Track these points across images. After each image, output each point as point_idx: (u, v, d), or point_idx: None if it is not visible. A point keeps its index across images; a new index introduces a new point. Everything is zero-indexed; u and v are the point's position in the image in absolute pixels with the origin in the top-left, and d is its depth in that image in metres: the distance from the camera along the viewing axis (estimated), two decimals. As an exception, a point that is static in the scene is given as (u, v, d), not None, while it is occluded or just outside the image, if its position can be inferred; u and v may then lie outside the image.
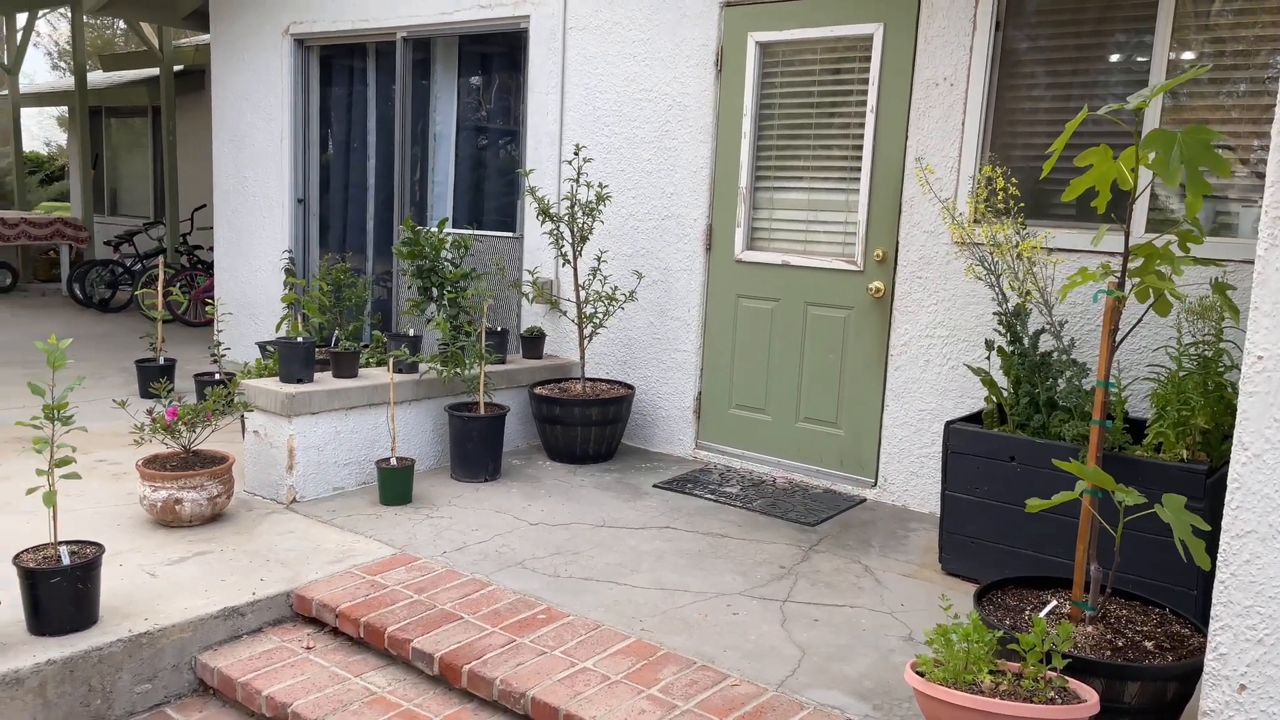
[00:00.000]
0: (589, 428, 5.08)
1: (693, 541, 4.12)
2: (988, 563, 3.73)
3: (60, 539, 3.20)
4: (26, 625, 3.02)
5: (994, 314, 3.97)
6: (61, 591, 3.00)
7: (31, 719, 2.86)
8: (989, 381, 3.87)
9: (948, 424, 3.80)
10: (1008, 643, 2.59)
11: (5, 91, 13.79)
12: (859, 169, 4.76)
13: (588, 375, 5.71)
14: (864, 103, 4.72)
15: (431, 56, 6.59)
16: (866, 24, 4.65)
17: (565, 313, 5.70)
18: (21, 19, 12.93)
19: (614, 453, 5.31)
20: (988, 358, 4.37)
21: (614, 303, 5.39)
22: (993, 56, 4.34)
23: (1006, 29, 4.34)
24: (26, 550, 3.12)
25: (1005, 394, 3.87)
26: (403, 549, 3.89)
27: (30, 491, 3.15)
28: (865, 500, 4.77)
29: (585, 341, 5.33)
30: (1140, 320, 3.33)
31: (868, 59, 4.69)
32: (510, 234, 6.20)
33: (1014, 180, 4.08)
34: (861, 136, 4.74)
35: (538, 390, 5.23)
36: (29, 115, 17.01)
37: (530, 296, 5.79)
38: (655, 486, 4.85)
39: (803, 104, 4.93)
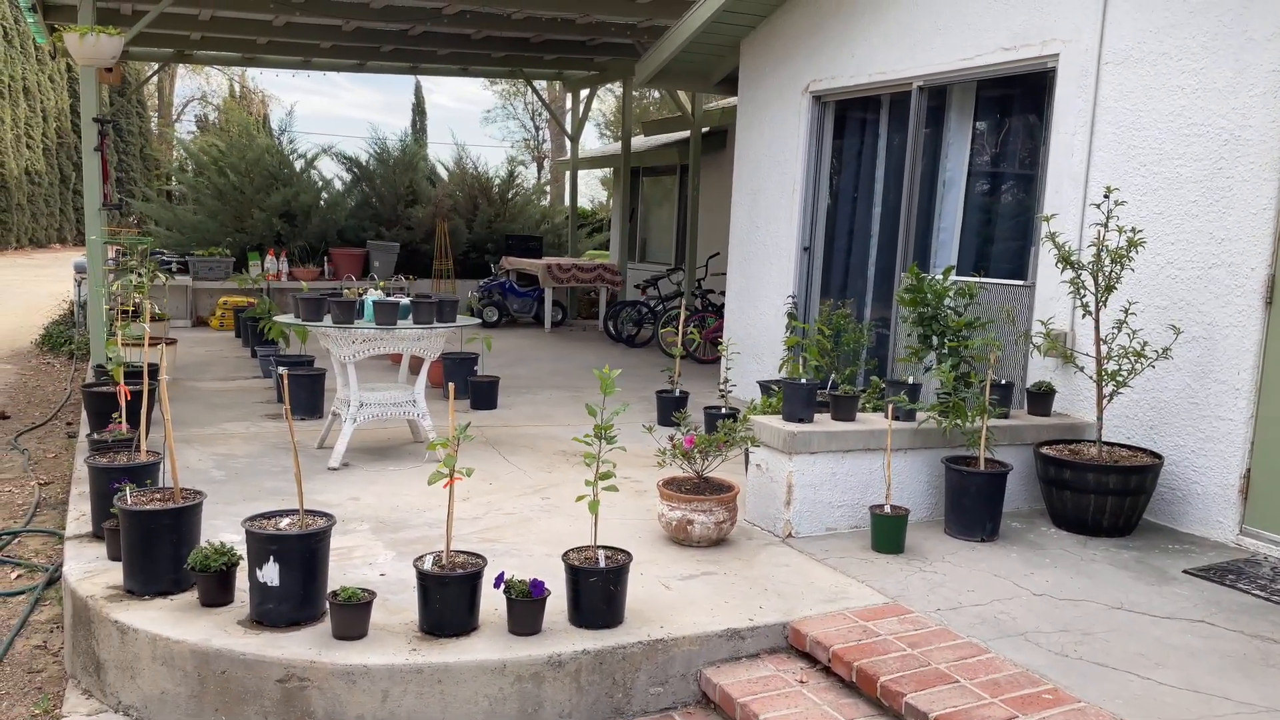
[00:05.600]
0: (1104, 496, 4.60)
1: (1236, 643, 3.52)
2: None
3: (597, 543, 3.64)
4: (568, 615, 3.47)
5: None
6: (597, 590, 3.41)
7: (568, 699, 3.27)
8: None
9: None
10: None
11: (565, 156, 16.34)
12: None
13: (1105, 439, 5.18)
14: None
15: (946, 104, 6.52)
16: None
17: (1082, 368, 5.24)
18: (583, 95, 15.26)
19: (1133, 528, 4.75)
20: None
21: (1142, 359, 4.84)
22: None
23: None
24: (572, 550, 3.60)
25: None
26: (895, 599, 3.84)
27: (579, 499, 3.64)
28: None
29: (1104, 401, 4.85)
30: None
31: None
32: (1020, 282, 5.88)
33: None
34: None
35: (1044, 450, 4.87)
36: (579, 176, 19.94)
37: (1042, 349, 5.42)
38: (1185, 572, 4.24)
39: None
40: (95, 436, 4.71)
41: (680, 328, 7.39)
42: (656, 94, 25.64)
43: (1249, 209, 4.59)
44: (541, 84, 21.20)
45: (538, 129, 34.77)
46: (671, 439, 4.63)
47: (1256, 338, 4.57)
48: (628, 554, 3.57)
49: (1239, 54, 4.62)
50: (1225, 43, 4.68)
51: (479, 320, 6.95)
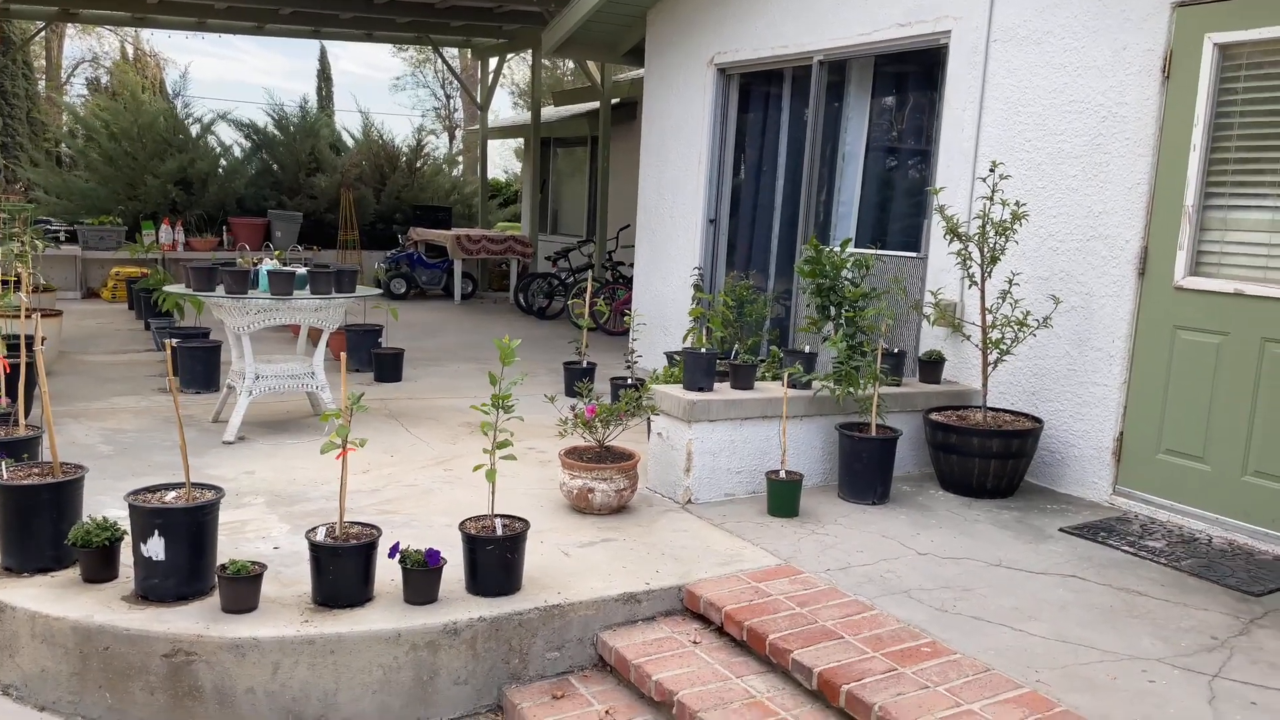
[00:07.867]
0: (988, 460, 4.80)
1: (1103, 595, 3.72)
2: None
3: (495, 512, 3.65)
4: (465, 584, 3.48)
5: None
6: (494, 558, 3.43)
7: (464, 666, 3.29)
8: None
9: None
10: None
11: (477, 126, 16.10)
12: (1344, 184, 4.03)
13: (990, 404, 5.39)
14: (1356, 105, 3.98)
15: (845, 78, 6.64)
16: (1365, 12, 3.93)
17: (969, 337, 5.44)
18: (492, 63, 15.04)
19: (1014, 489, 4.97)
20: None
21: (1024, 329, 5.04)
22: None
23: None
24: (469, 519, 3.61)
25: None
26: (787, 561, 3.95)
27: (477, 469, 3.64)
28: (1330, 576, 4.00)
29: (989, 369, 5.04)
30: None
31: (1364, 54, 3.95)
32: (914, 254, 6.05)
33: None
34: (1350, 145, 4.00)
35: (933, 416, 5.05)
36: (492, 146, 19.79)
37: (931, 319, 5.60)
38: (1061, 530, 4.46)
39: (1272, 110, 4.28)
40: (-30, 411, 4.52)
41: (587, 299, 7.40)
42: (570, 64, 25.40)
43: (1124, 183, 4.80)
44: (452, 51, 20.81)
45: (449, 97, 34.11)
46: (573, 408, 4.66)
47: (1130, 307, 4.80)
48: (525, 522, 3.59)
49: (1117, 33, 4.81)
50: (1105, 22, 4.87)
51: (381, 291, 6.83)
